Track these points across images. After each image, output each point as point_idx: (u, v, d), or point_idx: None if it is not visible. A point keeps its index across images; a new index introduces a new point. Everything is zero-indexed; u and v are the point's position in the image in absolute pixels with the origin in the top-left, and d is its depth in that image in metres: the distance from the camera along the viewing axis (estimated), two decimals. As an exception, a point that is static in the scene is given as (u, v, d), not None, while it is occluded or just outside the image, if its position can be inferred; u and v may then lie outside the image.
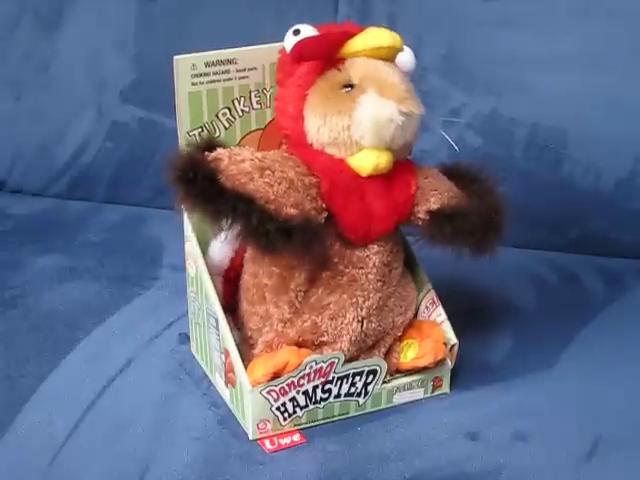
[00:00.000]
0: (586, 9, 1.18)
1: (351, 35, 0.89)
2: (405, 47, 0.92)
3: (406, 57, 0.92)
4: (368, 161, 0.89)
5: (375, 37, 0.89)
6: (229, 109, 0.94)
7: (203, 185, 0.84)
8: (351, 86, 0.88)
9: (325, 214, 0.89)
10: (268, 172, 0.87)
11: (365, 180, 0.89)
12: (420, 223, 0.93)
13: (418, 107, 0.88)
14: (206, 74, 0.93)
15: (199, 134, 0.94)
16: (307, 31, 0.89)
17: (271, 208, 0.85)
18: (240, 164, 0.86)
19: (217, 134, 0.95)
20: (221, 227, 0.85)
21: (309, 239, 0.85)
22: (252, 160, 0.87)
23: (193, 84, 0.93)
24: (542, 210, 1.22)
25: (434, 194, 0.93)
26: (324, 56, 0.89)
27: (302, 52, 0.88)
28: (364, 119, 0.87)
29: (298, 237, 0.85)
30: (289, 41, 0.89)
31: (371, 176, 0.89)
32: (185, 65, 0.92)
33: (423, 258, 1.00)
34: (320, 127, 0.88)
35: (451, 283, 1.04)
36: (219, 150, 0.88)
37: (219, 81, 0.94)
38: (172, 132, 0.95)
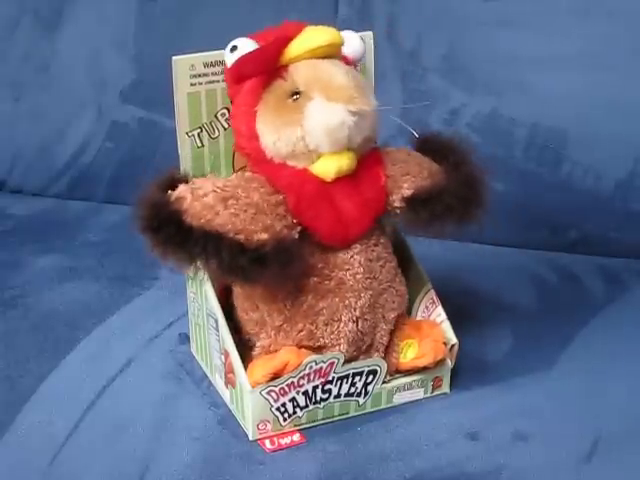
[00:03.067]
0: (586, 9, 1.18)
1: (289, 40, 0.87)
2: (350, 33, 0.91)
3: (352, 46, 0.91)
4: (330, 167, 0.87)
5: (312, 38, 0.87)
6: (228, 109, 0.94)
7: (170, 231, 0.83)
8: (298, 93, 0.87)
9: (298, 228, 0.88)
10: (232, 201, 0.86)
11: (331, 185, 0.88)
12: (398, 212, 0.92)
13: (369, 103, 0.86)
14: (205, 74, 0.93)
15: (198, 135, 0.94)
16: (245, 46, 0.87)
17: (241, 238, 0.84)
18: (203, 199, 0.85)
19: (216, 134, 0.95)
20: (197, 268, 0.85)
21: (285, 260, 0.84)
22: (214, 192, 0.86)
23: (192, 84, 0.93)
24: (542, 210, 1.22)
25: (406, 179, 0.91)
26: (264, 70, 0.87)
27: (242, 71, 0.87)
28: (315, 128, 0.85)
29: (273, 262, 0.84)
30: (228, 59, 0.88)
31: (337, 179, 0.88)
32: (184, 65, 0.92)
33: (423, 258, 1.00)
34: (275, 142, 0.87)
35: (451, 283, 1.04)
36: (180, 188, 0.87)
37: (218, 82, 0.93)
38: (172, 132, 0.95)
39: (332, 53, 0.89)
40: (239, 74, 0.87)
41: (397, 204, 0.91)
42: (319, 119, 0.85)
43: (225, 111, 0.95)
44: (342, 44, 0.89)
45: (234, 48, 0.87)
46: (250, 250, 0.84)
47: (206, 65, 0.93)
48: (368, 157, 0.90)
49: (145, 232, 0.85)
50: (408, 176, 0.92)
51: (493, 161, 1.15)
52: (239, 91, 0.89)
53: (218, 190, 0.86)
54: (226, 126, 0.95)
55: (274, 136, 0.87)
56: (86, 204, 1.37)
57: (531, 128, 1.21)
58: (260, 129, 0.88)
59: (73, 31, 1.33)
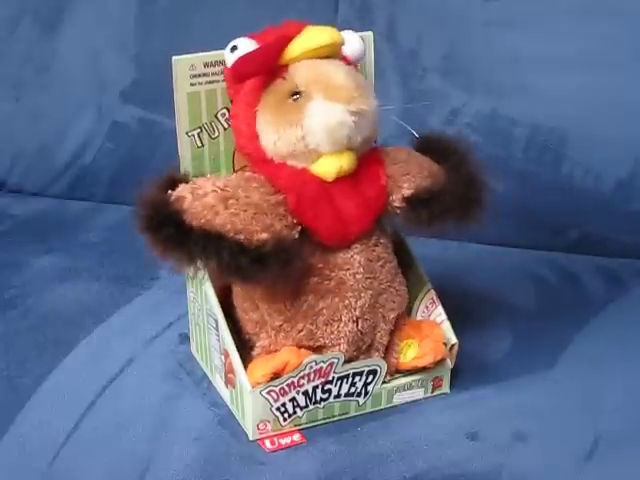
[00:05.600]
0: (586, 9, 1.18)
1: (289, 39, 0.87)
2: (350, 33, 0.91)
3: (353, 46, 0.91)
4: (330, 166, 0.88)
5: (313, 37, 0.87)
6: (228, 109, 0.94)
7: (169, 230, 0.84)
8: (298, 93, 0.87)
9: (298, 228, 0.88)
10: (232, 201, 0.86)
11: (332, 185, 0.88)
12: (398, 212, 0.92)
13: (369, 103, 0.87)
14: (205, 74, 0.93)
15: (198, 135, 0.94)
16: (245, 46, 0.87)
17: (241, 238, 0.84)
18: (203, 199, 0.86)
19: (216, 134, 0.95)
20: (197, 268, 0.85)
21: (285, 260, 0.84)
22: (215, 191, 0.86)
23: (192, 84, 0.93)
24: (542, 210, 1.22)
25: (406, 179, 0.92)
26: (264, 70, 0.87)
27: (242, 70, 0.87)
28: (315, 127, 0.85)
29: (273, 261, 0.84)
30: (228, 59, 0.88)
31: (337, 179, 0.88)
32: (184, 65, 0.92)
33: (423, 258, 1.00)
34: (276, 141, 0.87)
35: (451, 283, 1.04)
36: (181, 187, 0.87)
37: (218, 82, 0.93)
38: (172, 132, 0.95)
39: (332, 53, 0.89)
40: (239, 74, 0.87)
41: (397, 204, 0.92)
42: (319, 119, 0.85)
43: (225, 111, 0.95)
44: (342, 44, 0.89)
45: (234, 48, 0.88)
46: (250, 250, 0.84)
47: (206, 65, 0.92)
48: (368, 157, 0.90)
49: (145, 232, 0.85)
50: (408, 176, 0.92)
51: (493, 161, 1.15)
52: (239, 91, 0.90)
53: (218, 190, 0.86)
54: (226, 126, 0.95)
55: (274, 136, 0.87)
56: (86, 204, 1.37)
57: (531, 128, 1.21)
58: (260, 129, 0.88)
59: (73, 31, 1.33)
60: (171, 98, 0.93)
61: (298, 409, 0.91)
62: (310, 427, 0.92)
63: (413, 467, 0.87)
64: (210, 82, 0.93)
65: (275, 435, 0.91)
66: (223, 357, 0.93)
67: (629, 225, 1.21)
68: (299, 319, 0.90)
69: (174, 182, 0.88)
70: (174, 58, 0.92)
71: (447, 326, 0.97)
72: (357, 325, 0.91)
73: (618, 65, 1.18)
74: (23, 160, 1.39)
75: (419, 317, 1.00)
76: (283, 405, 0.90)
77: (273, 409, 0.90)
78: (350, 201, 0.89)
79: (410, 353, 0.95)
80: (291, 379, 0.89)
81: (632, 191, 1.20)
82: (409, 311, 1.00)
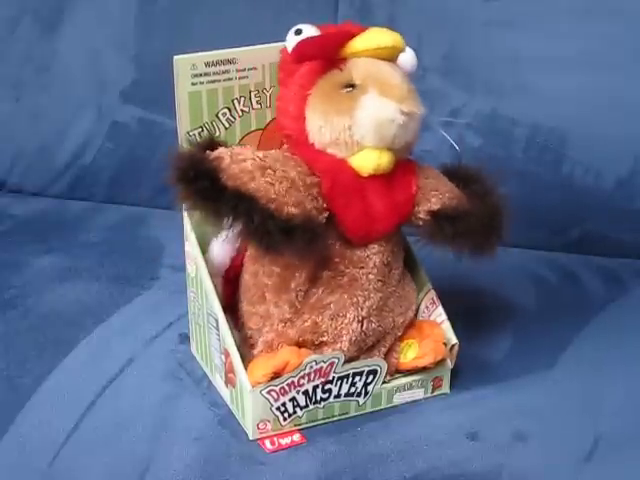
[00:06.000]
0: (586, 9, 1.18)
1: (352, 35, 0.89)
2: (407, 47, 0.92)
3: (408, 57, 0.93)
4: (369, 161, 0.89)
5: (377, 37, 0.89)
6: (229, 109, 0.94)
7: (204, 184, 0.84)
8: (353, 86, 0.88)
9: (326, 214, 0.89)
10: (269, 171, 0.87)
11: (366, 180, 0.89)
12: (421, 223, 0.93)
13: (419, 107, 0.88)
14: (206, 74, 0.93)
15: (199, 134, 0.94)
16: (309, 31, 0.89)
17: (272, 207, 0.85)
18: (241, 163, 0.86)
19: (217, 134, 0.95)
20: (222, 226, 0.85)
21: (310, 238, 0.85)
22: (253, 159, 0.87)
23: (193, 84, 0.93)
24: (542, 210, 1.22)
25: (435, 194, 0.93)
26: (326, 56, 0.89)
27: (304, 52, 0.88)
28: (365, 119, 0.87)
29: (299, 236, 0.85)
30: (291, 41, 0.89)
31: (372, 176, 0.89)
32: (185, 65, 0.92)
33: (423, 258, 1.00)
34: (321, 127, 0.88)
35: (451, 283, 1.04)
36: (220, 149, 0.88)
37: (219, 81, 0.94)
38: (172, 132, 0.95)
39: (391, 56, 0.91)
40: (301, 55, 0.89)
41: (422, 215, 0.92)
42: (371, 111, 0.86)
43: (226, 110, 0.95)
44: (403, 50, 0.91)
45: (299, 31, 0.89)
46: (280, 219, 0.84)
47: (207, 64, 0.93)
48: (404, 164, 0.92)
49: (179, 182, 0.85)
50: (437, 192, 0.93)
51: (493, 161, 1.15)
52: (293, 73, 0.90)
53: (257, 159, 0.87)
54: (227, 126, 0.95)
55: (321, 121, 0.88)
56: (86, 204, 1.37)
57: (531, 128, 1.21)
58: (309, 112, 0.89)
59: (73, 31, 1.33)
60: (171, 98, 0.93)
61: (298, 409, 0.91)
62: (310, 427, 0.92)
63: (413, 467, 0.87)
64: (211, 82, 0.93)
65: (275, 435, 0.91)
66: (223, 356, 0.93)
67: (629, 224, 1.21)
68: (306, 310, 0.90)
69: (214, 145, 0.89)
70: (175, 58, 0.92)
71: (447, 326, 0.97)
72: (362, 326, 0.91)
73: (618, 65, 1.18)
74: (23, 160, 1.39)
75: (419, 317, 1.00)
76: (283, 405, 0.90)
77: (273, 409, 0.90)
78: (380, 200, 0.90)
79: (410, 353, 0.95)
80: (291, 379, 0.89)
81: (632, 190, 1.20)
82: (409, 311, 1.00)
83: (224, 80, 0.94)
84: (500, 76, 1.22)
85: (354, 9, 1.26)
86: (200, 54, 0.93)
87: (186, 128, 0.94)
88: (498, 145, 1.22)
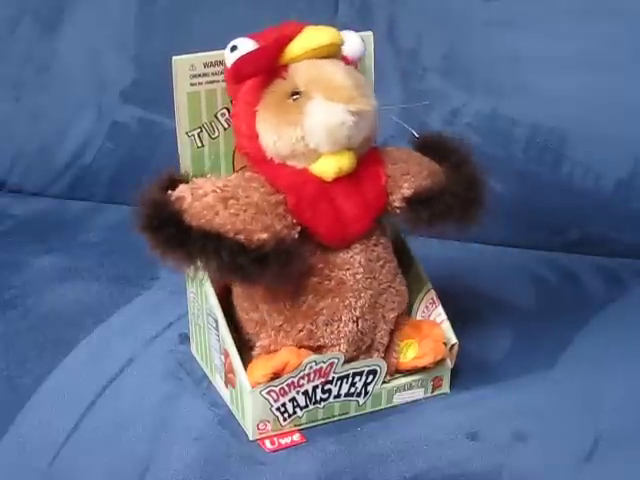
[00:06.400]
0: (586, 9, 1.18)
1: (289, 39, 0.87)
2: (349, 33, 0.90)
3: (352, 46, 0.91)
4: (329, 166, 0.87)
5: (312, 37, 0.87)
6: (228, 109, 0.94)
7: (169, 231, 0.83)
8: (298, 93, 0.87)
9: (298, 228, 0.88)
10: (232, 201, 0.86)
11: (331, 185, 0.88)
12: (398, 212, 0.92)
13: (369, 103, 0.86)
14: (205, 74, 0.93)
15: (198, 134, 0.94)
16: (244, 46, 0.87)
17: (241, 238, 0.84)
18: (203, 199, 0.85)
19: (216, 134, 0.95)
20: (197, 268, 0.85)
21: (285, 261, 0.84)
22: (214, 192, 0.86)
23: (192, 84, 0.93)
24: (542, 210, 1.22)
25: (406, 179, 0.91)
26: (264, 70, 0.87)
27: (241, 70, 0.87)
28: (315, 127, 0.85)
29: (273, 262, 0.84)
30: (228, 59, 0.88)
31: (337, 179, 0.88)
32: (184, 66, 0.92)
33: (423, 258, 1.00)
34: (275, 141, 0.87)
35: (451, 283, 1.04)
36: (180, 187, 0.87)
37: (218, 81, 0.93)
38: (172, 132, 0.95)
39: (332, 53, 0.89)
40: (239, 74, 0.87)
41: (397, 204, 0.91)
42: (319, 118, 0.85)
43: (225, 111, 0.95)
44: (342, 44, 0.89)
45: (234, 48, 0.88)
46: (250, 250, 0.84)
47: (206, 65, 0.93)
48: (368, 157, 0.90)
49: (145, 232, 0.85)
50: (408, 176, 0.92)
51: (493, 161, 1.15)
52: (239, 90, 0.89)
53: (218, 190, 0.86)
54: (226, 126, 0.95)
55: (274, 136, 0.87)
56: (86, 204, 1.37)
57: (531, 128, 1.21)
58: (260, 129, 0.88)
59: (73, 31, 1.33)
60: (171, 98, 0.93)
61: (298, 409, 0.91)
62: (310, 427, 0.92)
63: (413, 467, 0.87)
64: (210, 82, 0.93)
65: (275, 435, 0.91)
66: (223, 357, 0.93)
67: (629, 225, 1.21)
68: (299, 319, 0.90)
69: (174, 182, 0.88)
70: (174, 58, 0.92)
71: (447, 326, 0.97)
72: (357, 325, 0.91)
73: (618, 65, 1.18)
74: (23, 160, 1.39)
75: (419, 317, 1.00)
76: (283, 405, 0.90)
77: (273, 409, 0.90)
78: (350, 201, 0.89)
79: (410, 353, 0.95)
80: (291, 379, 0.89)
81: (632, 191, 1.20)
82: (409, 311, 1.00)
83: (223, 81, 0.93)
84: (500, 76, 1.21)
85: (354, 9, 1.26)
86: (199, 55, 0.92)
87: (185, 129, 0.94)
88: (498, 145, 1.22)
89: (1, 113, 1.38)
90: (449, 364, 0.96)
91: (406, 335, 0.96)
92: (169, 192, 0.87)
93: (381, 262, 0.93)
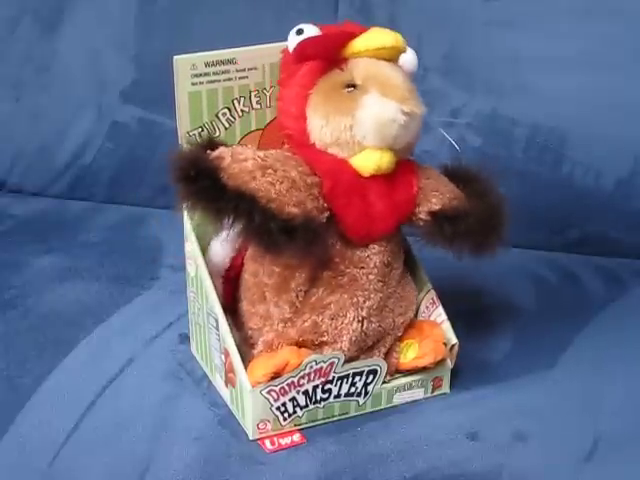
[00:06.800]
0: (587, 9, 1.19)
1: (354, 35, 0.89)
2: (408, 48, 0.92)
3: (409, 58, 0.93)
4: (370, 161, 0.89)
5: (378, 38, 0.89)
6: (229, 109, 0.94)
7: (205, 183, 0.84)
8: (354, 86, 0.88)
9: (327, 214, 0.89)
10: (270, 171, 0.87)
11: (367, 180, 0.89)
12: (421, 224, 0.93)
13: (420, 107, 0.88)
14: (206, 74, 0.93)
15: (199, 134, 0.94)
16: (310, 31, 0.89)
17: (273, 207, 0.85)
18: (242, 163, 0.86)
19: (217, 134, 0.95)
20: (223, 225, 0.85)
21: (311, 238, 0.85)
22: (254, 159, 0.87)
23: (193, 84, 0.93)
24: (542, 210, 1.22)
25: (435, 195, 0.93)
26: (327, 56, 0.89)
27: (305, 51, 0.88)
28: (366, 119, 0.87)
29: (300, 236, 0.85)
30: (292, 40, 0.89)
31: (373, 176, 0.89)
32: (185, 65, 0.92)
33: (423, 258, 1.00)
34: (323, 127, 0.88)
35: (451, 283, 1.04)
36: (221, 148, 0.88)
37: (219, 81, 0.94)
38: (172, 132, 0.95)
39: (392, 57, 0.91)
40: (303, 54, 0.89)
41: (423, 216, 0.92)
42: (373, 111, 0.86)
43: (226, 111, 0.95)
44: (404, 50, 0.91)
45: (300, 31, 0.89)
46: (280, 219, 0.84)
47: (207, 65, 0.93)
48: (404, 164, 0.92)
49: (180, 182, 0.85)
50: (437, 192, 0.93)
51: (493, 161, 1.15)
52: (294, 74, 0.90)
53: (258, 159, 0.87)
54: (227, 126, 0.95)
55: (322, 121, 0.88)
56: (86, 204, 1.37)
57: (531, 128, 1.21)
58: (310, 112, 0.89)
59: (73, 31, 1.33)
60: (171, 98, 0.93)
61: (298, 409, 0.91)
62: (310, 427, 0.92)
63: (413, 467, 0.87)
64: (211, 82, 0.93)
65: (275, 435, 0.91)
66: (223, 356, 0.93)
67: (629, 224, 1.21)
68: (306, 310, 0.90)
69: (214, 145, 0.89)
70: (175, 58, 0.92)
71: (447, 326, 0.97)
72: (362, 325, 0.91)
73: (618, 65, 1.18)
74: (23, 160, 1.39)
75: (419, 317, 1.00)
76: (283, 405, 0.90)
77: (273, 409, 0.90)
78: (381, 200, 0.90)
79: (410, 353, 0.95)
80: (291, 379, 0.89)
81: (632, 190, 1.20)
82: (409, 311, 1.00)
83: (224, 80, 0.94)
84: (500, 76, 1.22)
85: (354, 9, 1.26)
86: (200, 54, 0.93)
87: (186, 128, 0.94)
88: (498, 145, 1.22)
89: (1, 113, 1.38)
90: (449, 364, 0.96)
91: (406, 335, 0.96)
92: (209, 151, 0.87)
93: (394, 268, 0.93)
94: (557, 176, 1.21)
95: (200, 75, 0.93)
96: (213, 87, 0.94)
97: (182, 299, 1.03)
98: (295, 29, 0.90)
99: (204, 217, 0.86)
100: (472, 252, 0.93)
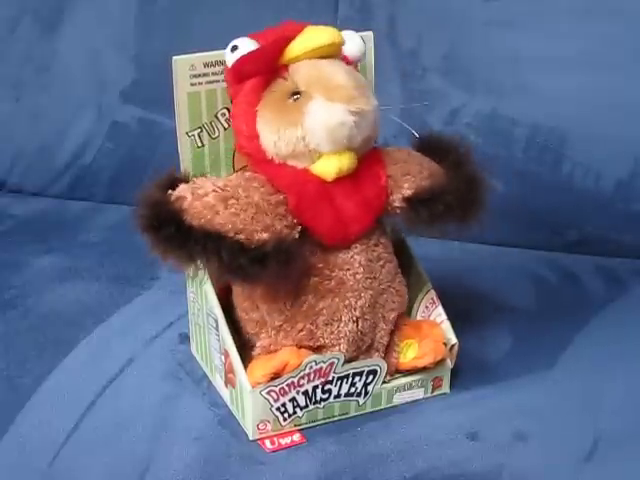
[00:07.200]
0: (587, 9, 1.18)
1: (290, 40, 0.87)
2: (350, 33, 0.90)
3: (352, 46, 0.90)
4: (330, 166, 0.87)
5: (313, 37, 0.87)
6: (228, 109, 0.94)
7: (169, 230, 0.83)
8: (298, 93, 0.87)
9: (298, 228, 0.88)
10: (232, 201, 0.86)
11: (332, 184, 0.88)
12: (398, 212, 0.92)
13: (369, 102, 0.87)
14: (205, 74, 0.93)
15: (198, 134, 0.94)
16: (245, 46, 0.87)
17: (242, 237, 0.84)
18: (203, 198, 0.85)
19: (216, 134, 0.95)
20: (197, 267, 0.85)
21: (285, 260, 0.84)
22: (215, 191, 0.86)
23: (192, 85, 0.93)
24: (542, 210, 1.22)
25: (407, 179, 0.92)
26: (265, 70, 0.87)
27: (243, 70, 0.87)
28: (316, 127, 0.85)
29: (273, 262, 0.83)
30: (229, 59, 0.88)
31: (338, 179, 0.88)
32: (184, 65, 0.92)
33: (423, 258, 1.00)
34: (276, 142, 0.87)
35: (451, 283, 1.04)
36: (181, 187, 0.87)
37: (218, 81, 0.93)
38: (172, 132, 0.95)
39: (333, 53, 0.89)
40: (240, 74, 0.87)
41: (397, 204, 0.91)
42: (319, 118, 0.85)
43: (225, 111, 0.95)
44: (343, 44, 0.89)
45: (235, 48, 0.87)
46: (250, 250, 0.84)
47: (206, 65, 0.92)
48: (368, 157, 0.90)
49: (145, 231, 0.85)
50: (408, 176, 0.92)
51: (493, 161, 1.15)
52: (240, 91, 0.89)
53: (218, 190, 0.86)
54: (226, 126, 0.95)
55: (274, 136, 0.87)
56: (86, 204, 1.37)
57: (531, 128, 1.21)
58: (260, 129, 0.88)
59: (73, 31, 1.33)
60: (171, 98, 0.93)
61: (298, 409, 0.91)
62: (310, 427, 0.92)
63: (413, 467, 0.87)
64: (210, 82, 0.93)
65: (275, 435, 0.91)
66: (223, 357, 0.93)
67: (629, 225, 1.21)
68: (299, 319, 0.90)
69: (174, 182, 0.88)
70: (174, 58, 0.92)
71: (447, 326, 0.97)
72: (357, 325, 0.91)
73: (618, 65, 1.18)
74: (23, 160, 1.39)
75: (419, 317, 1.00)
76: (283, 405, 0.90)
77: (273, 409, 0.90)
78: (350, 201, 0.89)
79: (410, 353, 0.95)
80: (291, 379, 0.89)
81: (632, 191, 1.20)
82: (409, 311, 1.00)
83: (223, 81, 0.93)
84: (500, 76, 1.21)
85: (354, 9, 1.26)
86: (199, 54, 0.92)
87: (185, 129, 0.94)
88: (498, 145, 1.22)
89: (1, 113, 1.38)
90: (449, 364, 0.96)
91: (406, 335, 0.96)
92: (169, 192, 0.87)
93: (381, 262, 0.93)
94: (557, 176, 1.21)
95: (199, 76, 0.93)
96: (212, 87, 0.94)
97: (182, 299, 1.03)
98: (230, 46, 0.88)
99: (177, 263, 0.85)
100: (456, 227, 0.92)
